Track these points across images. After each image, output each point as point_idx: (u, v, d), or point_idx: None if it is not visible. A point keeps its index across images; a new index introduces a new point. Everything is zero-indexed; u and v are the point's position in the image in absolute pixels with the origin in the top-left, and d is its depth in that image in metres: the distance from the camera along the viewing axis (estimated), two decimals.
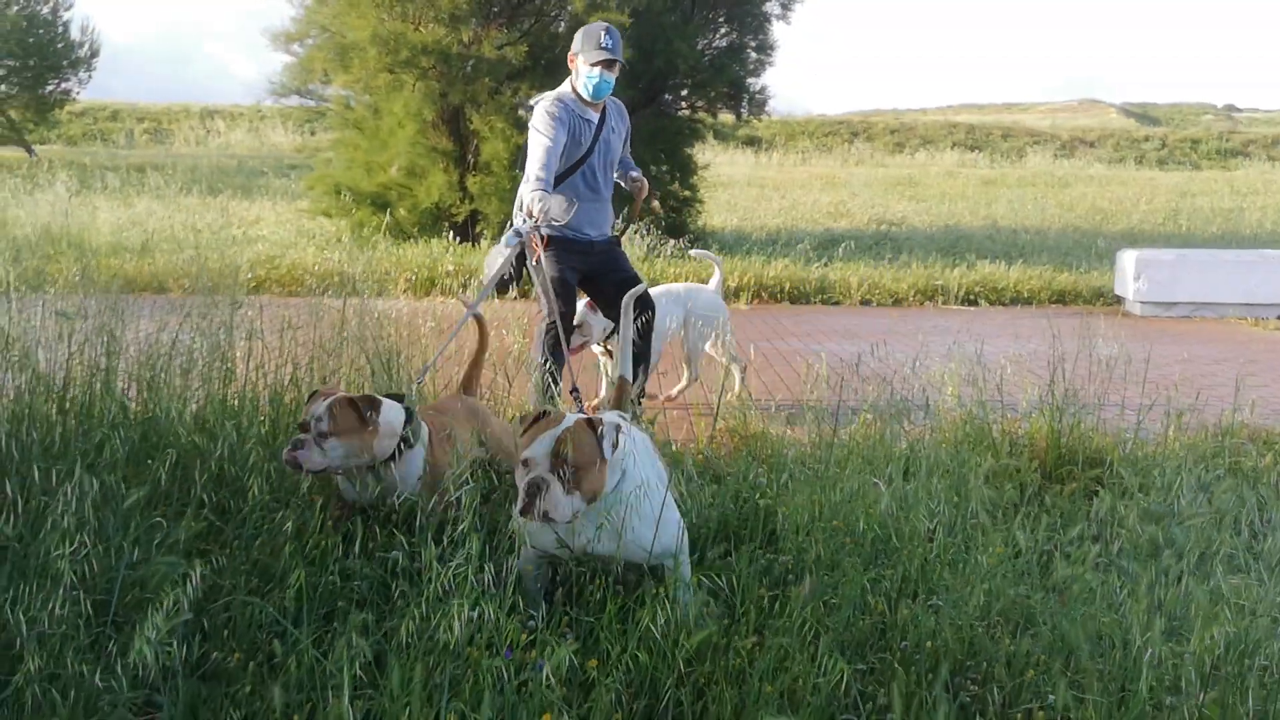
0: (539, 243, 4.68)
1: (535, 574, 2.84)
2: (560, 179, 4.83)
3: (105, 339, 3.71)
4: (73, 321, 3.64)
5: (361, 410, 3.04)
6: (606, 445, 2.62)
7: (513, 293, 5.17)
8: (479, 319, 4.12)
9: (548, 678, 2.13)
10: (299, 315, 4.52)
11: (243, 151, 30.18)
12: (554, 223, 4.54)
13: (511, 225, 4.80)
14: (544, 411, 2.79)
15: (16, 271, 5.66)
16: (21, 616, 1.98)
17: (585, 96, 4.82)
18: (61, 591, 2.09)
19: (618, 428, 2.68)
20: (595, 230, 4.98)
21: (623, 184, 5.25)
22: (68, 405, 3.44)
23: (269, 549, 2.95)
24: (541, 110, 4.76)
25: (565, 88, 4.88)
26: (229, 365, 3.97)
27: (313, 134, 30.43)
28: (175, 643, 2.19)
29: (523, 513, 2.57)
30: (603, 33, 4.75)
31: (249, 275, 9.16)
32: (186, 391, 3.80)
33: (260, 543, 2.97)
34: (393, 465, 3.15)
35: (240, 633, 2.56)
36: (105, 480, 2.51)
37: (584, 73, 4.78)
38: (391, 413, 3.14)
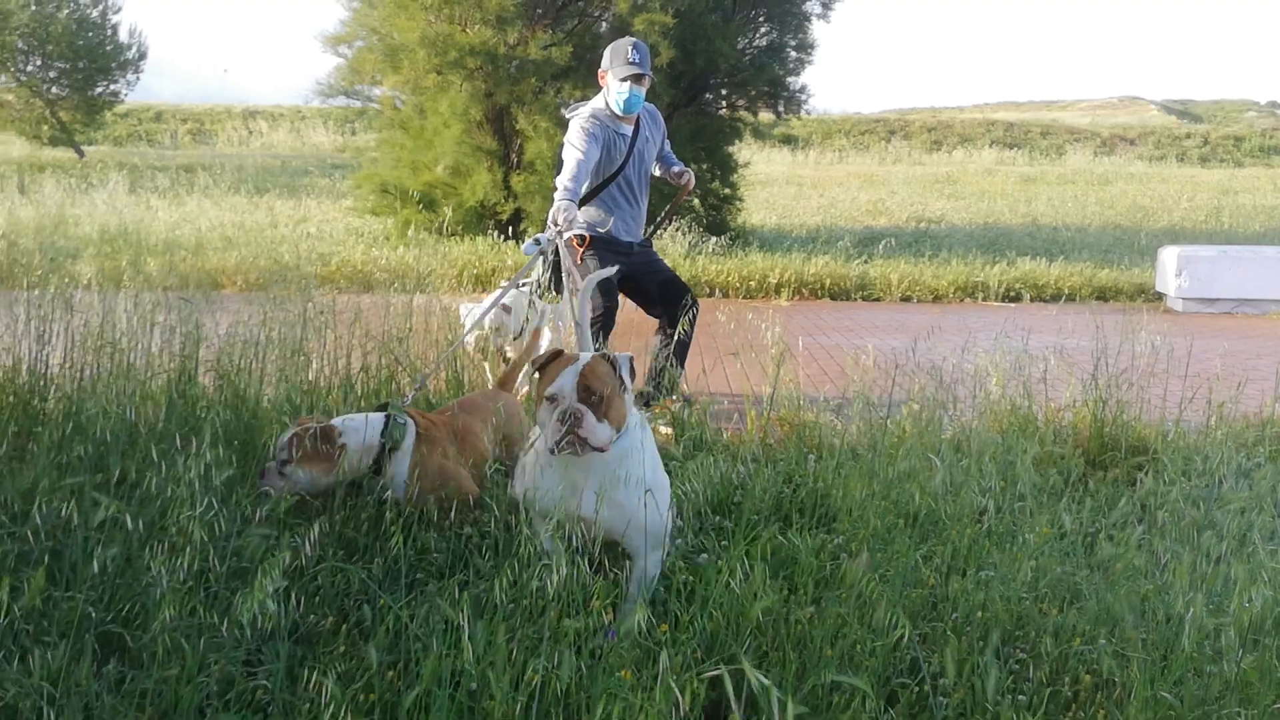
0: (576, 244, 4.91)
1: (550, 543, 2.79)
2: (597, 191, 5.06)
3: (194, 328, 3.94)
4: (191, 309, 3.86)
5: (319, 442, 3.12)
6: (625, 374, 2.76)
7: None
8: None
9: (639, 628, 2.28)
10: (362, 308, 4.73)
11: (285, 151, 30.69)
12: (597, 229, 4.76)
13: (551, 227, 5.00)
14: (558, 351, 2.88)
15: (94, 268, 5.94)
16: (163, 570, 2.17)
17: (617, 112, 5.01)
18: (189, 550, 2.28)
19: (631, 359, 2.81)
20: (631, 235, 5.24)
21: (668, 179, 5.45)
22: (172, 389, 3.66)
23: (353, 524, 3.16)
24: (577, 125, 4.95)
25: (599, 102, 5.07)
26: (304, 354, 4.19)
27: (354, 134, 30.86)
28: (276, 605, 2.37)
29: (562, 446, 2.60)
30: (630, 48, 4.94)
31: (314, 270, 9.42)
32: (264, 376, 4.02)
33: (344, 516, 3.17)
34: (382, 472, 3.23)
35: (329, 600, 2.75)
36: (214, 454, 2.70)
37: (615, 88, 4.96)
38: (358, 434, 3.19)
